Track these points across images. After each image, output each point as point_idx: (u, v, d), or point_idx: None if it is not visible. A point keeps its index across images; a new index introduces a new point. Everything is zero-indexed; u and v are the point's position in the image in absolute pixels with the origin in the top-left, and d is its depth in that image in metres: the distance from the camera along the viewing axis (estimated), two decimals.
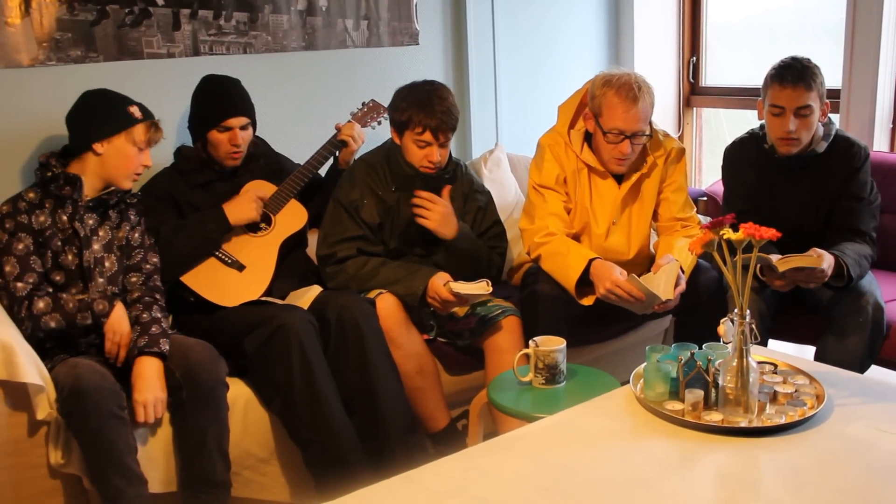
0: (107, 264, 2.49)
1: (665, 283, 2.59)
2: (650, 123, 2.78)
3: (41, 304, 2.34)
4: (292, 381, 2.45)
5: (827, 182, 2.84)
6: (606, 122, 2.72)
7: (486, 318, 2.81)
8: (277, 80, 3.28)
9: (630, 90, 2.68)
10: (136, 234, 2.59)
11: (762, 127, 2.90)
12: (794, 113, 2.72)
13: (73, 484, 2.30)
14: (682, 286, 2.65)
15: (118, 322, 2.38)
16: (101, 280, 2.47)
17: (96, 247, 2.47)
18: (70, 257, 2.44)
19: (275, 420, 2.54)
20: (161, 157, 2.91)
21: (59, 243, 2.43)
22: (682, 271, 2.67)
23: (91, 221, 2.48)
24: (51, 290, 2.41)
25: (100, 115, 2.48)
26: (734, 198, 2.98)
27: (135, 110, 2.48)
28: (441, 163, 2.85)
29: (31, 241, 2.40)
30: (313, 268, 2.96)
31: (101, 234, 2.49)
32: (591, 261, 2.67)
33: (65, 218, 2.44)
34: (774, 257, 2.56)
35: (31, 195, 2.44)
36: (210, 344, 2.46)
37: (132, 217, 2.59)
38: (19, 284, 2.35)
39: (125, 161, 2.47)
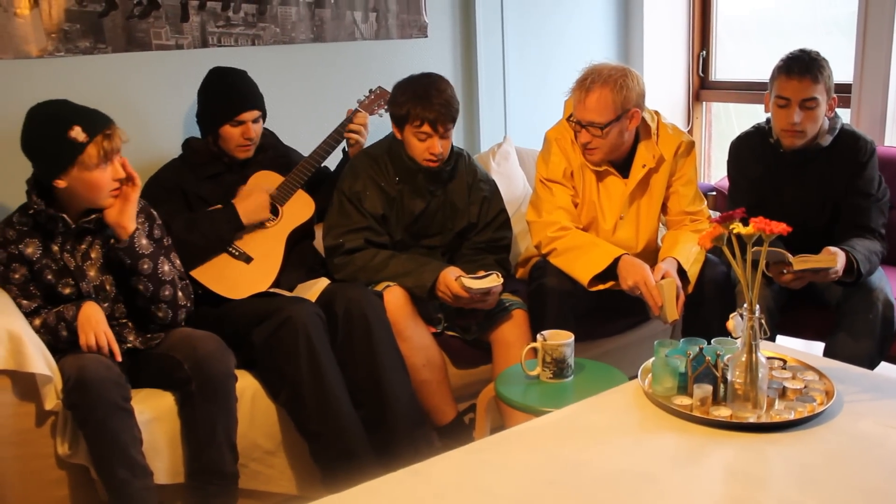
0: (108, 287, 2.44)
1: (667, 305, 2.63)
2: (625, 116, 2.73)
3: (37, 322, 2.35)
4: (299, 374, 2.45)
5: (832, 177, 2.82)
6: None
7: (494, 311, 2.80)
8: (286, 72, 3.28)
9: (584, 80, 2.74)
10: (145, 241, 2.43)
11: (768, 121, 2.88)
12: (799, 105, 2.70)
13: (81, 474, 2.31)
14: (682, 297, 2.67)
15: (86, 318, 2.31)
16: (105, 305, 2.43)
17: (92, 273, 2.41)
18: (68, 291, 2.39)
19: (282, 412, 2.54)
20: (169, 148, 2.91)
21: (51, 277, 2.37)
22: (681, 283, 2.68)
23: (83, 246, 2.41)
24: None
25: (42, 154, 2.30)
26: (738, 192, 2.96)
27: (77, 133, 2.24)
28: (443, 154, 2.85)
29: (25, 270, 2.37)
30: (320, 259, 2.95)
31: (93, 256, 2.42)
32: (618, 257, 2.69)
33: (55, 248, 2.38)
34: (798, 258, 2.54)
35: (21, 225, 2.38)
36: (218, 336, 2.46)
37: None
38: (24, 302, 2.37)
39: (92, 187, 2.30)
